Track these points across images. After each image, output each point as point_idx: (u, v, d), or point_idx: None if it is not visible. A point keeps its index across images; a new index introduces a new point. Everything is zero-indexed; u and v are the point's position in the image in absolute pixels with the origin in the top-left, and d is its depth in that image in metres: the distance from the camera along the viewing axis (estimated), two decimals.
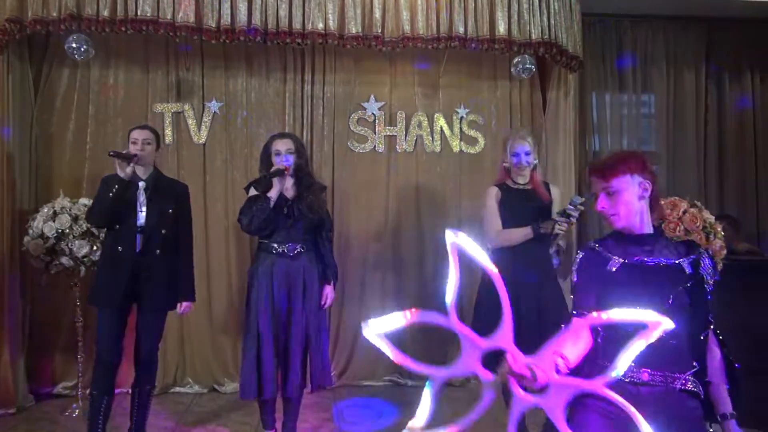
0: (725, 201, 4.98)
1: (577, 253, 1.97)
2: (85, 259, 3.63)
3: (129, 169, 2.95)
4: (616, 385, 1.66)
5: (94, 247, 3.63)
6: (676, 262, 1.82)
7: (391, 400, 4.10)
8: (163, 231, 3.08)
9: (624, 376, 1.64)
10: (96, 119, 4.23)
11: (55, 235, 3.57)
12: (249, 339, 3.04)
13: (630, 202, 1.80)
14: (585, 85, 4.87)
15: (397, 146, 4.54)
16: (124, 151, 3.05)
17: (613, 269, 1.81)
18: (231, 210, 4.33)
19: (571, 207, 3.00)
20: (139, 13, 3.64)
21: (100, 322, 3.05)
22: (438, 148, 4.56)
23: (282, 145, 3.12)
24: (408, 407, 3.68)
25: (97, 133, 4.23)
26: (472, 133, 4.61)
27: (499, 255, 3.06)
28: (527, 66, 4.02)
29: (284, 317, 3.04)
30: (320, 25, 3.83)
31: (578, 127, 4.46)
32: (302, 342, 3.06)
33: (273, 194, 3.02)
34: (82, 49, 3.70)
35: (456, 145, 4.58)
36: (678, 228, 3.14)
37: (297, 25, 3.80)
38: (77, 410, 3.75)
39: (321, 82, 4.44)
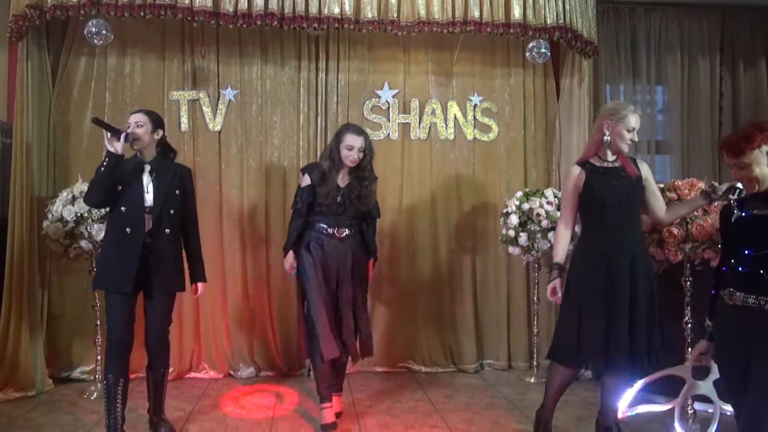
0: None
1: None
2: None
3: (119, 145, 2.93)
4: (720, 307, 2.12)
5: None
6: None
7: (405, 386, 4.11)
8: (171, 212, 3.08)
9: (725, 297, 2.07)
10: (113, 107, 4.27)
11: (74, 218, 3.61)
12: (314, 306, 3.19)
13: (759, 172, 2.05)
14: (599, 74, 4.85)
15: (411, 134, 4.55)
16: (113, 125, 3.05)
17: (732, 220, 2.14)
18: (246, 197, 4.36)
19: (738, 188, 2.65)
20: None
21: (110, 306, 3.01)
22: (452, 136, 4.57)
23: (357, 142, 3.26)
24: (422, 393, 3.68)
25: (114, 120, 4.20)
26: (486, 120, 4.61)
27: (591, 235, 2.92)
28: (542, 50, 4.02)
29: (334, 291, 3.25)
30: (336, 10, 3.85)
31: (592, 115, 4.45)
32: (351, 315, 3.28)
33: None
34: (102, 33, 3.74)
35: (470, 132, 4.59)
36: None
37: (313, 10, 3.83)
38: (95, 392, 3.79)
39: (335, 70, 4.46)
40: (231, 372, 4.31)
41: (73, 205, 3.62)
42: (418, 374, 4.42)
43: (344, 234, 3.30)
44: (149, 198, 3.04)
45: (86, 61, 4.26)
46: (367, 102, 4.50)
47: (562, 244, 2.99)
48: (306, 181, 3.32)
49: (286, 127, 4.43)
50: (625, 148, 2.90)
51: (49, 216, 3.69)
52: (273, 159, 4.42)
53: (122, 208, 3.00)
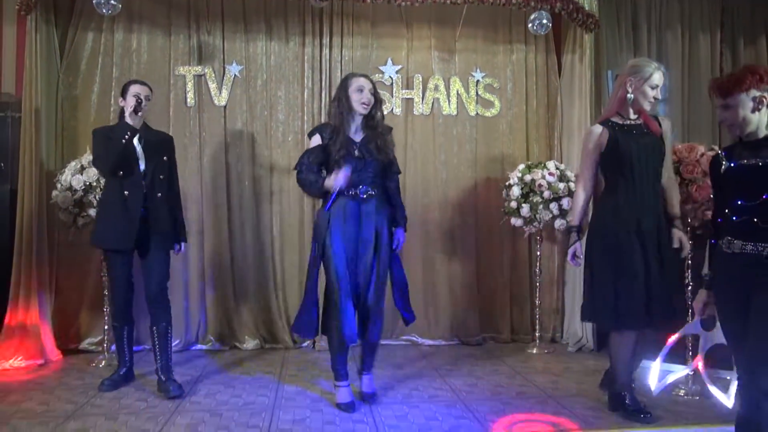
0: None
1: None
2: None
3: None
4: (718, 256, 2.12)
5: None
6: None
7: (408, 356, 4.16)
8: (161, 177, 3.30)
9: (723, 246, 2.09)
10: (120, 82, 4.27)
11: (82, 187, 3.67)
12: (336, 283, 2.95)
13: (743, 116, 2.04)
14: (600, 51, 4.87)
15: (414, 109, 4.59)
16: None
17: (721, 171, 2.12)
18: (251, 170, 4.41)
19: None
20: None
21: (113, 264, 3.31)
22: (454, 111, 4.62)
23: (366, 84, 3.06)
24: (425, 362, 3.72)
25: (118, 95, 4.30)
26: (488, 96, 4.66)
27: (616, 195, 2.87)
28: (543, 21, 4.06)
29: (357, 260, 3.00)
30: None
31: (594, 90, 4.48)
32: (379, 287, 3.02)
33: (329, 184, 2.96)
34: (110, 3, 3.78)
35: (472, 108, 4.63)
36: (696, 169, 3.18)
37: None
38: (103, 361, 3.84)
39: (339, 45, 4.51)
40: (236, 344, 4.37)
41: (81, 174, 3.68)
42: (422, 347, 4.46)
43: (368, 194, 3.03)
44: (142, 164, 3.24)
45: (93, 37, 4.31)
46: (371, 77, 4.54)
47: (580, 206, 2.99)
48: (315, 141, 3.07)
49: (291, 102, 4.48)
50: (648, 107, 2.87)
51: (58, 186, 3.75)
52: (278, 133, 4.47)
53: (120, 173, 3.19)
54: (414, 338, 4.54)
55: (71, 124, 4.28)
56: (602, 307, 2.86)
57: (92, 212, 3.69)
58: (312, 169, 3.02)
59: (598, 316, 2.94)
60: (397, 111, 4.57)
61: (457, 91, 4.62)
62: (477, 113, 4.64)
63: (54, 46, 4.19)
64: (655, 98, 2.86)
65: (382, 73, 4.56)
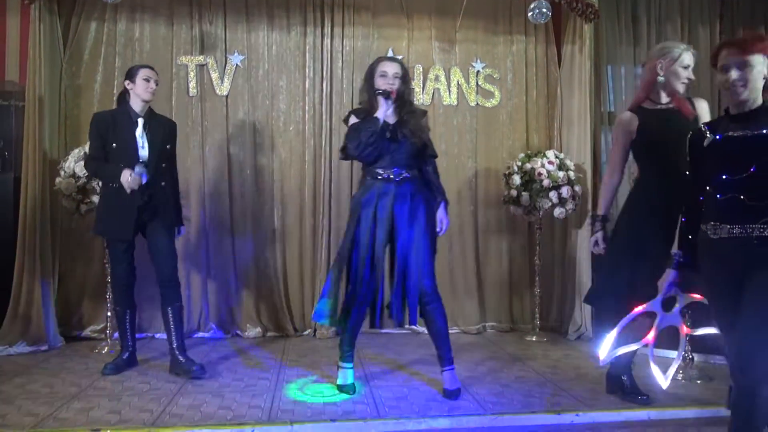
0: None
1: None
2: None
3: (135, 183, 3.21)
4: (704, 243, 2.03)
5: None
6: (764, 131, 1.97)
7: (409, 344, 4.19)
8: (163, 165, 3.34)
9: (709, 232, 2.01)
10: (123, 71, 4.29)
11: (85, 174, 3.69)
12: (353, 267, 2.91)
13: (757, 79, 2.00)
14: (599, 44, 4.90)
15: (414, 99, 4.61)
16: None
17: (705, 144, 2.05)
18: (253, 159, 4.44)
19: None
20: None
21: (114, 252, 3.36)
22: (455, 102, 4.65)
23: (390, 68, 2.98)
24: (425, 350, 3.75)
25: (120, 85, 4.34)
26: (488, 86, 4.69)
27: (646, 190, 2.82)
28: (543, 10, 4.09)
29: (393, 243, 2.93)
30: None
31: (593, 80, 4.51)
32: (415, 269, 2.91)
33: (380, 114, 2.91)
34: None
35: (472, 98, 4.66)
36: None
37: None
38: (106, 347, 3.88)
39: (340, 36, 4.53)
40: (238, 332, 4.40)
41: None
42: (422, 335, 4.47)
43: (402, 176, 2.94)
44: (144, 153, 3.25)
45: (96, 26, 4.34)
46: None
47: (608, 195, 2.93)
48: (352, 120, 3.02)
49: (292, 92, 4.51)
50: (682, 88, 2.77)
51: (62, 173, 3.78)
52: (279, 123, 4.50)
53: (121, 164, 3.19)
54: (414, 327, 4.56)
55: (74, 113, 4.31)
56: (612, 288, 2.80)
57: (95, 199, 3.72)
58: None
59: (605, 298, 2.86)
60: None
61: (458, 82, 4.64)
62: (477, 103, 4.67)
63: (57, 35, 4.22)
64: (688, 79, 2.77)
65: None
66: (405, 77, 3.02)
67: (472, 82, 4.66)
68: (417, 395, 3.02)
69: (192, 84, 4.39)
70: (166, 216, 3.33)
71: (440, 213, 3.04)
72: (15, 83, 4.24)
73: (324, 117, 4.48)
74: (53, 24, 4.17)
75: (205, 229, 4.38)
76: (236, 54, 4.44)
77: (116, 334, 4.13)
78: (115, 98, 4.27)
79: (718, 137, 2.03)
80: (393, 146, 2.94)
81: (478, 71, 4.67)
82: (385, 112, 2.93)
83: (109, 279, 3.92)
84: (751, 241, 1.94)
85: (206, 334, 4.38)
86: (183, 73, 4.40)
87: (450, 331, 4.41)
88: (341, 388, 3.07)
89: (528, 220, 4.37)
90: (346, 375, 3.11)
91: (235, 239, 4.43)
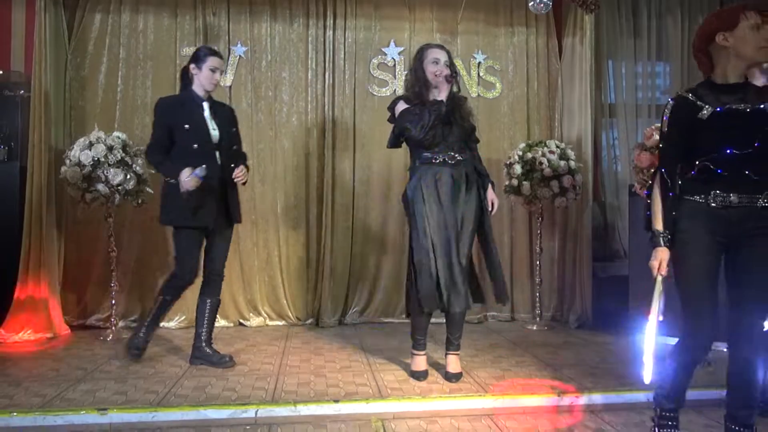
0: None
1: (668, 103, 2.09)
2: (120, 188, 3.79)
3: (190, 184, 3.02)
4: (695, 209, 1.97)
5: (128, 176, 3.79)
6: (761, 106, 1.95)
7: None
8: (234, 147, 3.27)
9: (715, 204, 1.95)
10: (127, 62, 4.40)
11: (91, 162, 3.73)
12: (422, 252, 2.89)
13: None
14: (600, 37, 4.94)
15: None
16: None
17: (703, 117, 1.96)
18: (256, 150, 4.47)
19: None
20: None
21: (185, 242, 3.12)
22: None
23: (441, 55, 2.99)
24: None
25: (128, 75, 4.40)
26: (490, 78, 4.72)
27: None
28: (545, 1, 4.12)
29: (453, 227, 2.90)
30: None
31: (593, 72, 4.54)
32: (468, 254, 2.94)
33: (443, 97, 2.91)
34: None
35: (474, 89, 4.70)
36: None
37: None
38: (111, 335, 3.91)
39: (342, 27, 4.57)
40: (241, 321, 4.44)
41: (90, 150, 3.74)
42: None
43: (456, 159, 2.94)
44: (215, 135, 3.16)
45: (101, 18, 4.39)
46: (374, 59, 4.62)
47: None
48: (402, 107, 3.00)
49: (295, 83, 4.55)
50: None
51: (67, 161, 3.82)
52: (282, 114, 4.54)
53: (194, 145, 3.09)
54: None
55: (79, 104, 4.36)
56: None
57: (101, 187, 3.76)
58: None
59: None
60: (400, 91, 4.62)
61: (459, 73, 4.67)
62: (479, 95, 4.71)
63: (62, 27, 4.26)
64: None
65: (385, 54, 4.63)
66: (452, 63, 3.01)
67: (474, 74, 4.70)
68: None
69: None
70: (236, 204, 3.25)
71: (491, 194, 3.06)
72: (21, 74, 4.29)
73: (326, 108, 4.51)
74: (58, 16, 4.21)
75: None
76: (239, 45, 4.48)
77: (122, 322, 4.21)
78: (119, 89, 4.35)
79: (719, 109, 1.95)
80: (446, 130, 2.94)
81: (479, 63, 4.71)
82: (446, 96, 2.92)
83: (113, 269, 3.99)
84: (755, 210, 1.94)
85: None
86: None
87: None
88: (412, 375, 3.07)
89: (529, 210, 4.40)
90: (417, 361, 3.10)
91: (238, 228, 4.44)
